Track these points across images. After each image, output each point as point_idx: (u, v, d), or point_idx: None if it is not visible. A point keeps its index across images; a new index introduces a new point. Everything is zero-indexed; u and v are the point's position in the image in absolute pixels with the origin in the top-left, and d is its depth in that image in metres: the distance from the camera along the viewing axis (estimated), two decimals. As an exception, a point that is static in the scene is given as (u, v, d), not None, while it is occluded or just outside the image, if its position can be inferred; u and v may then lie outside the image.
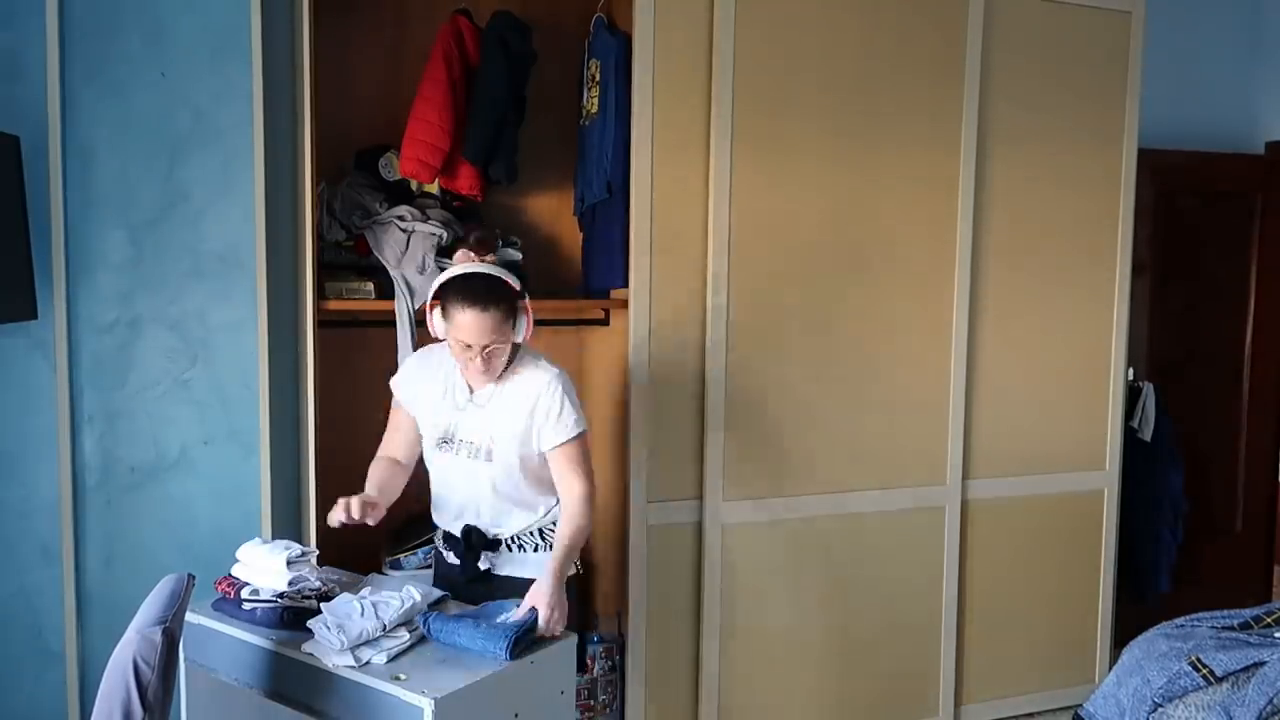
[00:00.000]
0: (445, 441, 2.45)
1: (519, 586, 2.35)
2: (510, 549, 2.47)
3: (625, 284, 3.09)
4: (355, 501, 2.32)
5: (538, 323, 3.41)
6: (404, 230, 2.99)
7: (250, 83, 2.91)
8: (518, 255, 3.16)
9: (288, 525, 3.08)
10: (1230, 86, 4.53)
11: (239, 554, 2.33)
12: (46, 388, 2.81)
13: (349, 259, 3.05)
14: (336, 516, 2.31)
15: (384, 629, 2.13)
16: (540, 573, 2.30)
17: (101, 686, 1.87)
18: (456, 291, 2.29)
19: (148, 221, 2.88)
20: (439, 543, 2.56)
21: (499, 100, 3.01)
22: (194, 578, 2.07)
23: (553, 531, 2.44)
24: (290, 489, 3.11)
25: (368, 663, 2.06)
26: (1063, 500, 3.66)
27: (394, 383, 2.55)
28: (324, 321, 2.95)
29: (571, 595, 2.33)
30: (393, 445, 2.57)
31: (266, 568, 2.27)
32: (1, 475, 2.79)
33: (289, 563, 2.25)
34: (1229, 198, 4.45)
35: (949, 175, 3.37)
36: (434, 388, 2.47)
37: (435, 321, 2.35)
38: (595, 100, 3.12)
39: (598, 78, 3.11)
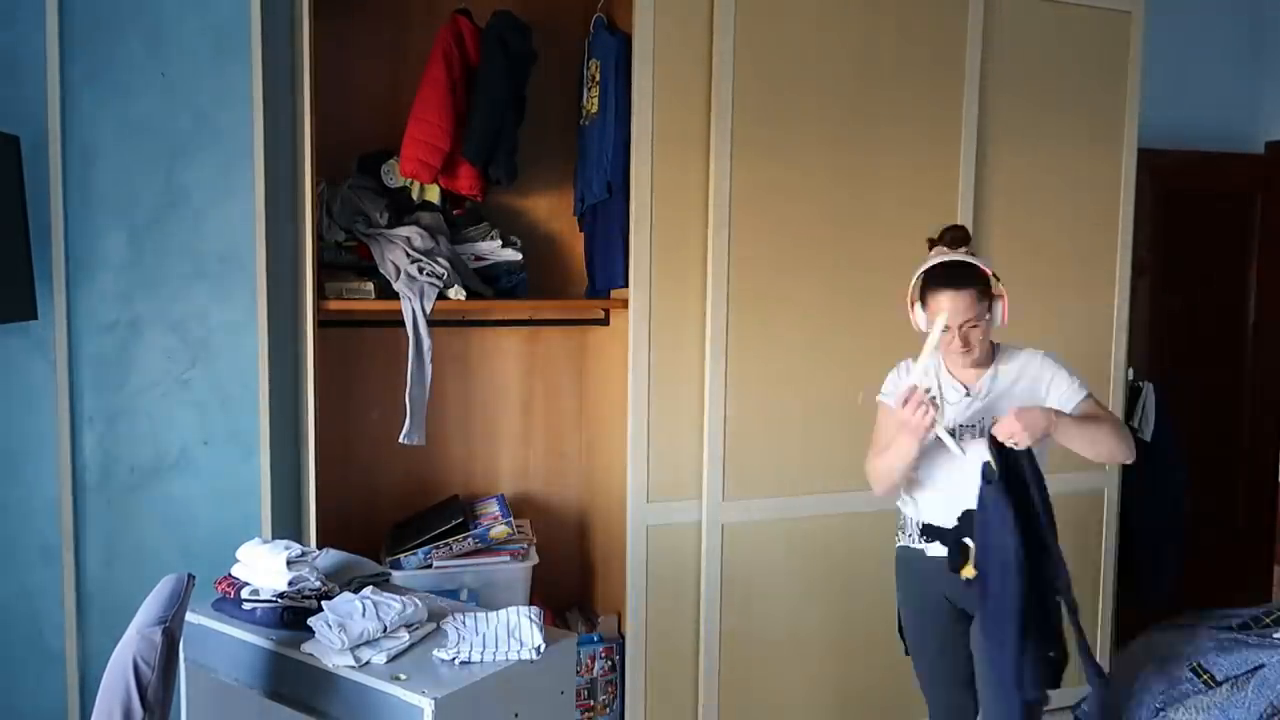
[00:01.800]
0: (952, 432, 2.55)
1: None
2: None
3: (625, 284, 3.09)
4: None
5: (538, 323, 3.45)
6: (410, 259, 3.00)
7: (250, 84, 2.91)
8: (517, 255, 3.16)
9: (288, 525, 3.08)
10: (1230, 86, 4.53)
11: (239, 554, 2.33)
12: (46, 388, 2.81)
13: (349, 259, 3.05)
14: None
15: (385, 629, 2.13)
16: None
17: (101, 686, 1.88)
18: (935, 278, 2.49)
19: (148, 222, 2.88)
20: (914, 540, 2.71)
21: (499, 100, 3.01)
22: (194, 578, 2.07)
23: None
24: (290, 489, 3.11)
25: (368, 663, 2.06)
26: (1063, 501, 3.61)
27: (886, 391, 2.68)
28: (324, 321, 2.95)
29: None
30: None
31: (266, 568, 2.27)
32: (1, 475, 2.79)
33: (289, 563, 2.25)
34: (1229, 198, 4.45)
35: (949, 174, 3.37)
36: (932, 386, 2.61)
37: (916, 316, 2.56)
38: (595, 100, 3.12)
39: (597, 78, 3.11)
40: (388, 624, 2.13)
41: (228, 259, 2.95)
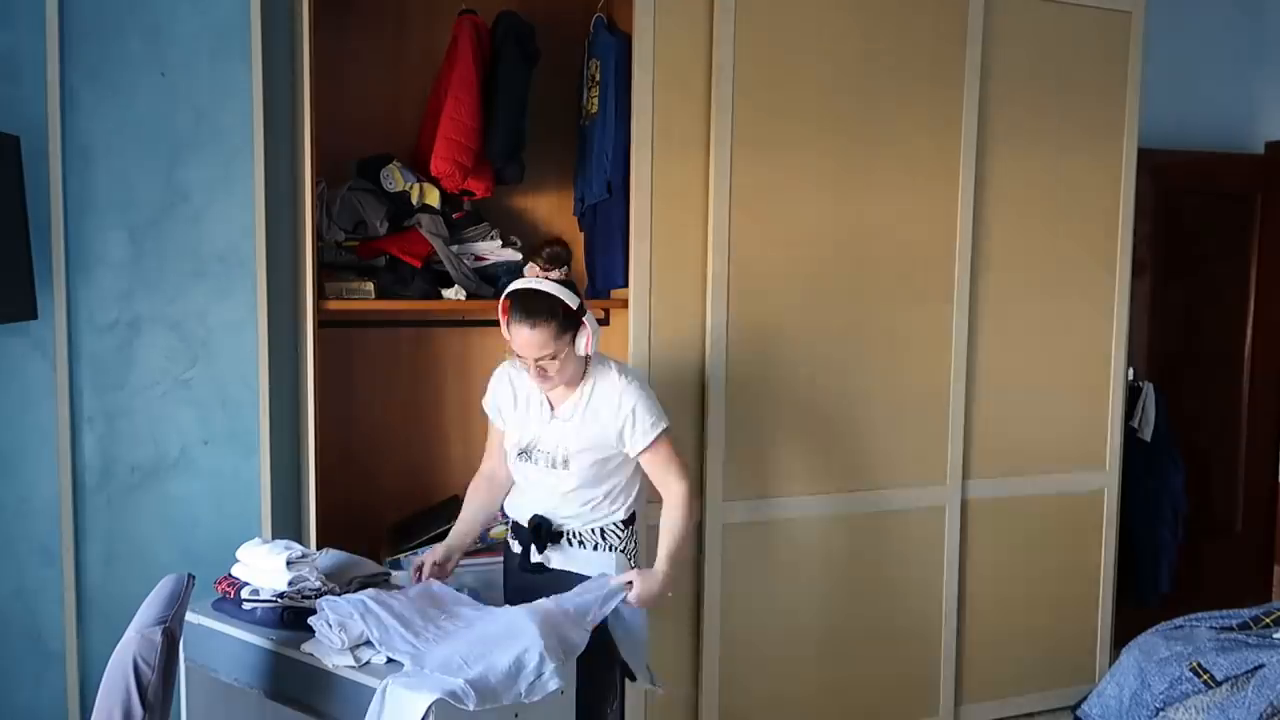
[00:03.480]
0: (524, 453, 2.53)
1: (571, 581, 2.45)
2: (570, 544, 2.53)
3: (625, 284, 3.09)
4: (428, 567, 2.53)
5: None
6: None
7: (250, 83, 2.91)
8: (518, 255, 3.16)
9: (288, 525, 3.08)
10: (1230, 86, 4.53)
11: (239, 554, 2.33)
12: (46, 388, 2.81)
13: (349, 259, 3.04)
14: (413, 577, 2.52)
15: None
16: (595, 571, 2.47)
17: (101, 686, 1.88)
18: (514, 306, 2.38)
19: (148, 221, 2.88)
20: (508, 533, 2.66)
21: (522, 100, 3.06)
22: (194, 578, 2.07)
23: (614, 532, 2.52)
24: (290, 489, 3.11)
25: (368, 663, 2.06)
26: (1063, 500, 3.66)
27: (484, 403, 2.64)
28: (324, 321, 2.95)
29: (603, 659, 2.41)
30: (490, 464, 2.69)
31: (266, 568, 2.27)
32: (1, 475, 2.79)
33: (289, 563, 2.26)
34: (1229, 198, 4.45)
35: (949, 174, 3.37)
36: (509, 401, 2.56)
37: (504, 331, 2.45)
38: (595, 100, 3.12)
39: (598, 78, 3.11)
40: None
41: (228, 259, 2.95)
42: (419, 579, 2.51)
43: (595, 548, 2.52)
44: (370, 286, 2.99)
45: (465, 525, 2.66)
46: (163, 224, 2.89)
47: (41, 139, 2.74)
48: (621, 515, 2.54)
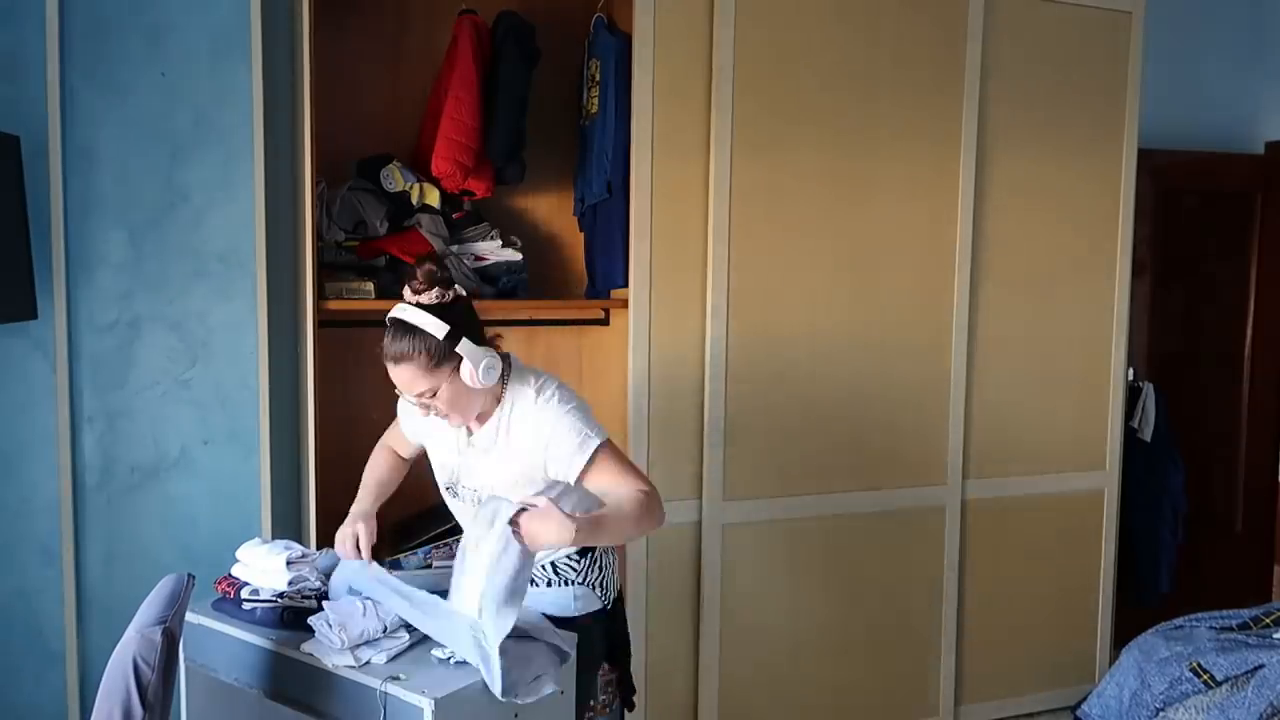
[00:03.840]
0: (450, 488, 2.31)
1: (534, 619, 2.18)
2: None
3: (625, 284, 3.09)
4: (364, 539, 2.29)
5: (538, 323, 3.44)
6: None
7: (250, 83, 2.91)
8: (518, 255, 3.16)
9: (288, 525, 3.08)
10: (1230, 86, 4.53)
11: (239, 554, 2.33)
12: (46, 388, 2.81)
13: (349, 259, 3.05)
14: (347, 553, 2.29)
15: (385, 629, 2.13)
16: (565, 607, 2.23)
17: (101, 686, 1.87)
18: (385, 339, 2.12)
19: (148, 221, 2.88)
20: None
21: (522, 100, 3.06)
22: (194, 577, 2.07)
23: (568, 565, 2.26)
24: (290, 489, 3.11)
25: (368, 662, 2.06)
26: (1063, 500, 3.66)
27: (398, 408, 2.41)
28: (324, 321, 2.95)
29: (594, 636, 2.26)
30: (394, 439, 2.48)
31: (266, 568, 2.27)
32: (1, 475, 2.79)
33: (289, 563, 2.25)
34: (1229, 198, 4.45)
35: (949, 174, 3.37)
36: (428, 424, 2.28)
37: None
38: (595, 100, 3.12)
39: (598, 78, 3.11)
40: (388, 624, 2.13)
41: (228, 259, 2.95)
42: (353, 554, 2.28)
43: (549, 584, 2.26)
44: (370, 286, 2.99)
45: (375, 491, 2.39)
46: (163, 224, 2.89)
47: (41, 139, 2.74)
48: (571, 549, 2.25)
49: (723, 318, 3.12)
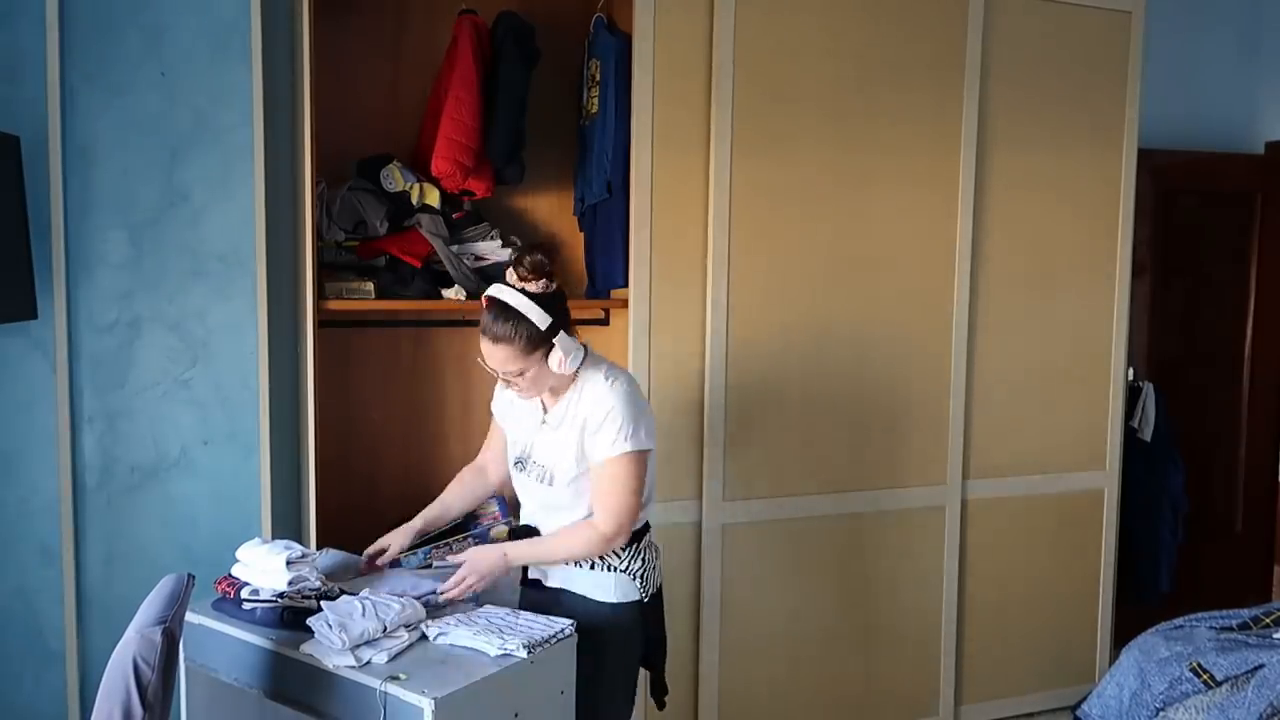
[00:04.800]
0: (519, 462, 2.43)
1: (574, 602, 2.33)
2: (568, 562, 2.36)
3: (625, 284, 3.09)
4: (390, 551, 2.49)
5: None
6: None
7: (250, 83, 2.91)
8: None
9: (288, 525, 3.08)
10: (1230, 86, 4.53)
11: (239, 554, 2.33)
12: (46, 388, 2.81)
13: (349, 259, 3.05)
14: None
15: (384, 629, 2.13)
16: (609, 592, 2.32)
17: (101, 686, 1.87)
18: (484, 313, 2.26)
19: (148, 221, 2.88)
20: None
21: (522, 100, 3.06)
22: (193, 577, 2.07)
23: (612, 552, 2.32)
24: (290, 489, 3.11)
25: (368, 662, 2.06)
26: (1063, 500, 3.66)
27: (492, 401, 2.55)
28: (324, 321, 2.95)
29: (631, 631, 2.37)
30: (484, 456, 2.62)
31: (266, 568, 2.27)
32: (1, 475, 2.79)
33: (289, 563, 2.25)
34: (1229, 198, 4.45)
35: (949, 174, 3.37)
36: (508, 400, 2.46)
37: None
38: (595, 100, 3.12)
39: (598, 78, 3.11)
40: (388, 624, 2.13)
41: (228, 259, 2.95)
42: (370, 565, 2.47)
43: (593, 567, 2.34)
44: (370, 286, 2.99)
45: (436, 510, 2.57)
46: (163, 224, 2.89)
47: (41, 139, 2.74)
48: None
49: (723, 317, 3.12)
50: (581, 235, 3.40)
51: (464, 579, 2.30)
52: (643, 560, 2.36)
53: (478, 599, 2.38)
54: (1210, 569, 4.41)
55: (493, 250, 3.15)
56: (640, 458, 2.28)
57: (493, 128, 3.02)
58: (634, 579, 2.35)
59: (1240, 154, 4.51)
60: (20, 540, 2.82)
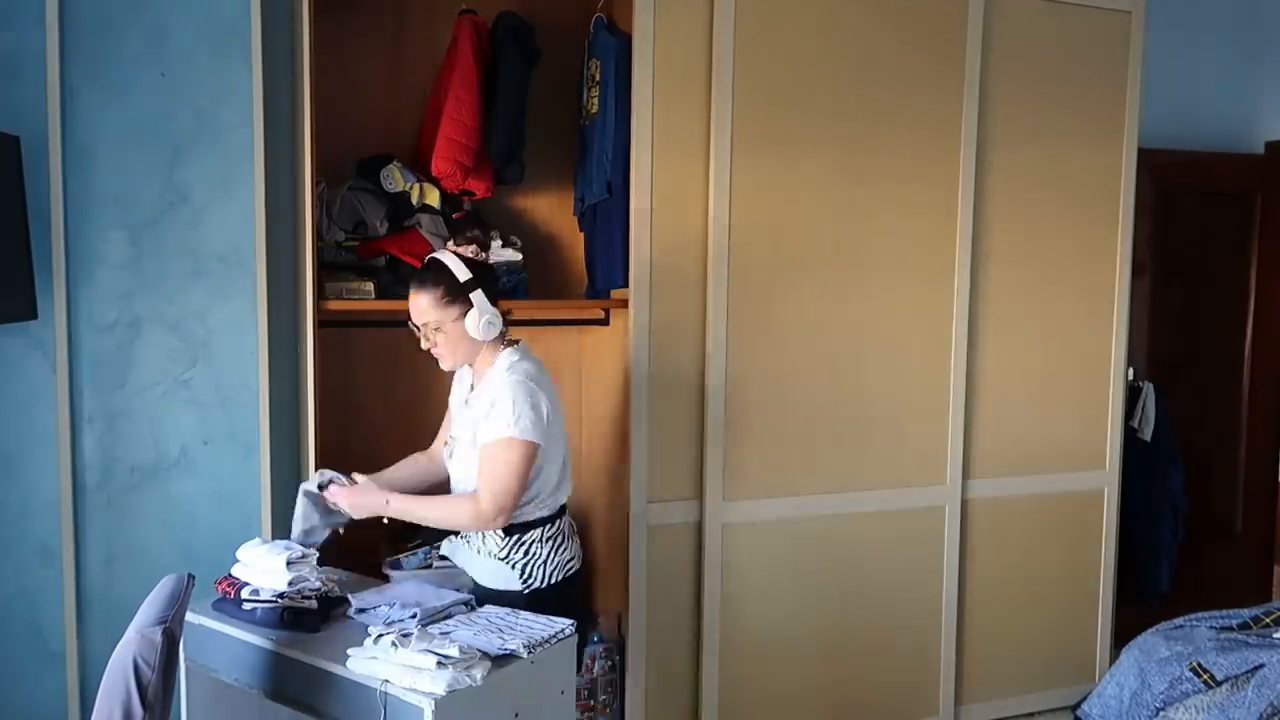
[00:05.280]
0: (447, 443, 2.59)
1: (466, 580, 2.52)
2: (455, 537, 2.55)
3: (625, 284, 3.09)
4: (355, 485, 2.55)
5: (538, 323, 3.44)
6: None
7: (250, 83, 2.91)
8: (517, 256, 3.16)
9: (287, 525, 3.07)
10: (1230, 86, 4.53)
11: (239, 554, 2.33)
12: (46, 388, 2.81)
13: (349, 259, 3.05)
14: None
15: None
16: (486, 576, 2.45)
17: (101, 686, 1.87)
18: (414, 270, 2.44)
19: (148, 221, 2.88)
20: None
21: (522, 101, 3.06)
22: (194, 578, 2.07)
23: (492, 537, 2.44)
24: (290, 489, 3.10)
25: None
26: (1063, 500, 3.66)
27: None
28: (324, 321, 2.95)
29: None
30: (435, 443, 2.71)
31: (267, 568, 2.27)
32: (1, 475, 2.79)
33: (289, 563, 2.25)
34: (1229, 198, 4.45)
35: (949, 174, 3.37)
36: (457, 393, 2.61)
37: None
38: (595, 100, 3.12)
39: (598, 78, 3.11)
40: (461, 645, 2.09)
41: (228, 259, 2.95)
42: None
43: (477, 551, 2.48)
44: (370, 286, 2.99)
45: (387, 476, 2.64)
46: (163, 224, 2.89)
47: (41, 139, 2.74)
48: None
49: (723, 317, 3.12)
50: (581, 235, 3.40)
51: (343, 501, 2.48)
52: (526, 554, 2.44)
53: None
54: (1210, 569, 4.41)
55: (492, 250, 3.15)
56: (523, 446, 2.35)
57: (493, 128, 3.02)
58: (513, 569, 2.44)
59: (1240, 154, 4.51)
60: (20, 540, 2.81)
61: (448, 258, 2.42)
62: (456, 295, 2.38)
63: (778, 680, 3.31)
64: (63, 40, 2.75)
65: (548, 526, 2.47)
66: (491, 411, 2.37)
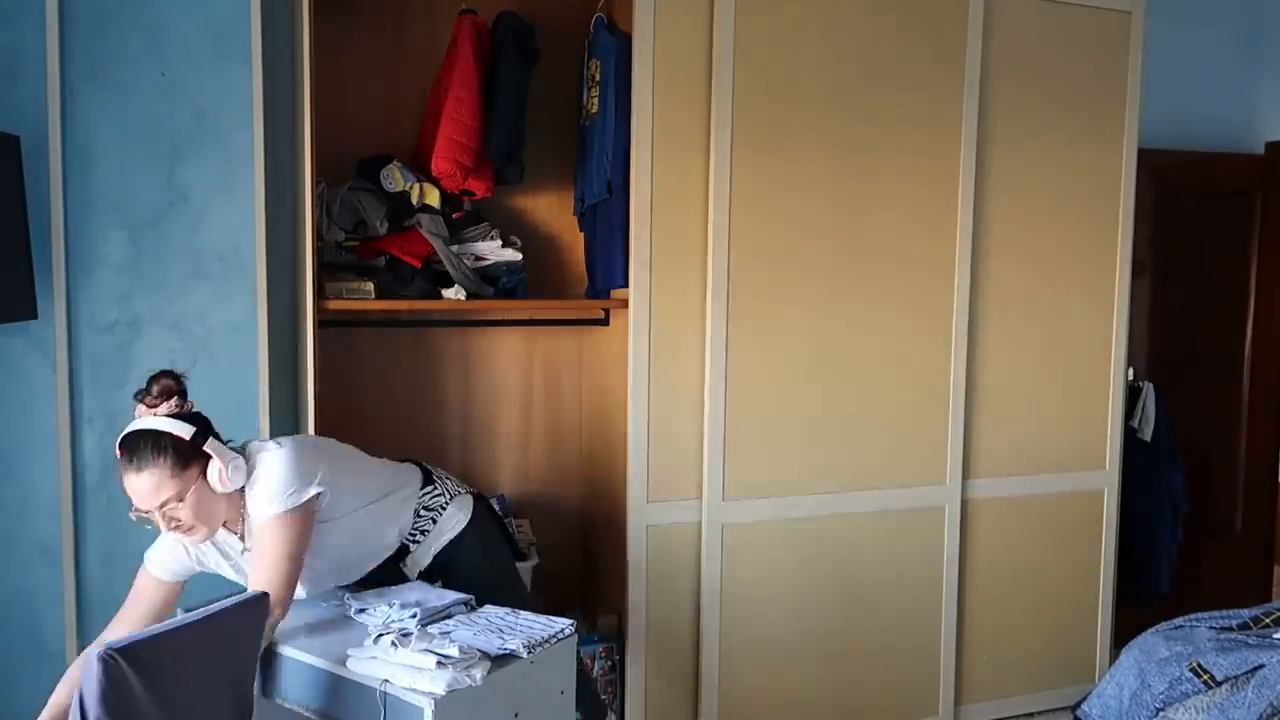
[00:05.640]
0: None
1: (446, 559, 2.55)
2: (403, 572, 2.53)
3: (625, 284, 3.09)
4: None
5: (538, 323, 3.44)
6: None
7: (250, 83, 2.91)
8: (517, 255, 3.16)
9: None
10: (1230, 86, 4.53)
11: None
12: (46, 388, 2.81)
13: (349, 259, 3.05)
14: None
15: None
16: (444, 540, 2.51)
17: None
18: (121, 456, 2.09)
19: (148, 221, 2.88)
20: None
21: (522, 100, 3.06)
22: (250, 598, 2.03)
23: (428, 514, 2.49)
24: (290, 489, 3.11)
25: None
26: (1063, 500, 3.66)
27: (148, 560, 2.29)
28: (324, 321, 2.95)
29: None
30: (138, 599, 2.28)
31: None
32: (1, 475, 2.79)
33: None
34: (1229, 198, 4.45)
35: (949, 174, 3.37)
36: (185, 558, 2.28)
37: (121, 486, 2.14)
38: (595, 100, 3.12)
39: (598, 78, 3.11)
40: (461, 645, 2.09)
41: (228, 259, 2.95)
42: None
43: (425, 534, 2.53)
44: (370, 286, 2.99)
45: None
46: (163, 224, 2.89)
47: (42, 139, 2.74)
48: (381, 557, 2.44)
49: (723, 316, 3.12)
50: (581, 235, 3.40)
51: None
52: (440, 500, 2.55)
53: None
54: (1210, 569, 4.41)
55: (493, 250, 3.14)
56: (291, 518, 2.15)
57: (493, 128, 3.02)
58: (457, 512, 2.55)
59: (1240, 154, 4.51)
60: (20, 540, 2.82)
61: (159, 422, 2.09)
62: (189, 457, 2.09)
63: (777, 680, 3.31)
64: (63, 40, 2.75)
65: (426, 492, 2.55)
66: (255, 488, 2.15)
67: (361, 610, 2.28)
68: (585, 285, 3.40)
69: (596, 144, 3.10)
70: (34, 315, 2.72)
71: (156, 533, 2.15)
